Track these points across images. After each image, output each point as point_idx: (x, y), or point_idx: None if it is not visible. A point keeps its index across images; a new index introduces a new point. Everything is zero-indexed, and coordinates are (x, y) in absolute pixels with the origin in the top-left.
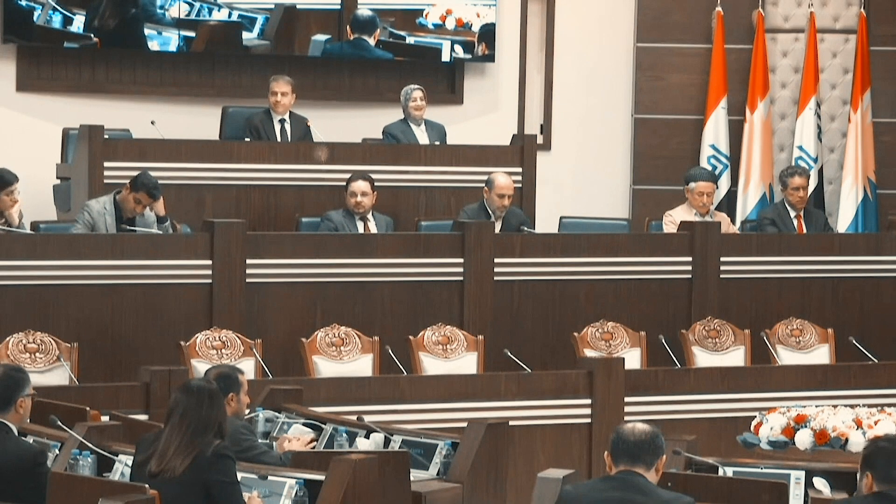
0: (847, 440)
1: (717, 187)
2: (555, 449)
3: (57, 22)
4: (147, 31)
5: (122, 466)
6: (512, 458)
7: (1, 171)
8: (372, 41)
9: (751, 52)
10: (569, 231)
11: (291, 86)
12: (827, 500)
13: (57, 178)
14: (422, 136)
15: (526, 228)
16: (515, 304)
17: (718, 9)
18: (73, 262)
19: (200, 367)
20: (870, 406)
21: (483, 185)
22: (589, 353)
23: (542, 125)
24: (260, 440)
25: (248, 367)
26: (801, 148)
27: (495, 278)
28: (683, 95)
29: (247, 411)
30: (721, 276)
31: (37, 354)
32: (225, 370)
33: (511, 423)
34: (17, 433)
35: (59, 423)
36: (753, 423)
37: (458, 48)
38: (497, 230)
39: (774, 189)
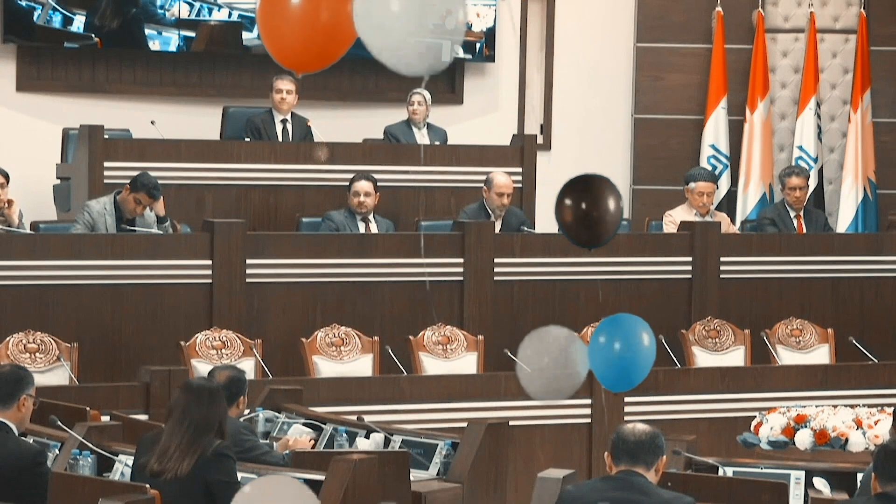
0: (847, 440)
1: (717, 187)
2: (555, 449)
3: (57, 22)
4: (147, 31)
5: (122, 466)
6: (512, 458)
7: None
8: None
9: (751, 52)
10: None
11: (296, 85)
12: (827, 500)
13: (57, 178)
14: (422, 140)
15: (526, 228)
16: (515, 304)
17: (718, 9)
18: (73, 262)
19: (200, 367)
20: (870, 406)
21: (483, 185)
22: None
23: (542, 125)
24: (260, 440)
25: (248, 367)
26: (801, 148)
27: (495, 278)
28: (683, 95)
29: (246, 411)
30: (721, 276)
31: (37, 354)
32: (234, 374)
33: (511, 423)
34: (17, 433)
35: (59, 423)
36: (753, 423)
37: (457, 48)
38: (497, 230)
39: (774, 189)
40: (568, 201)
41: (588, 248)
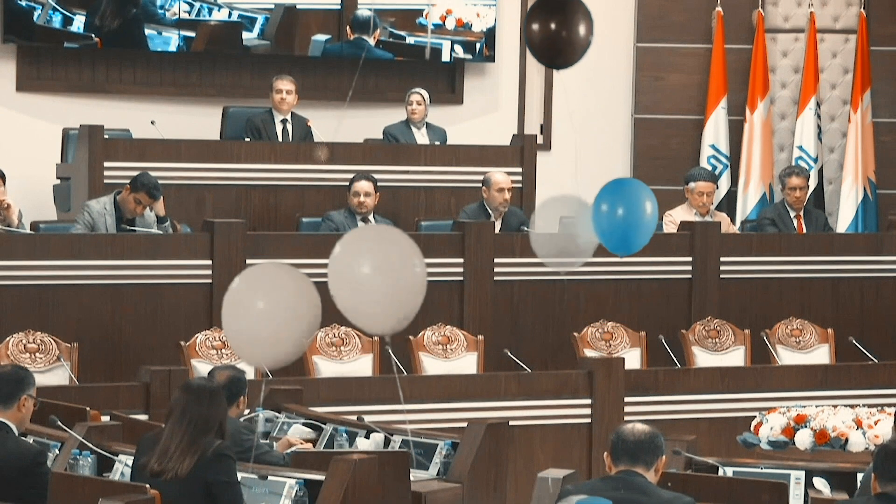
0: (847, 440)
1: (717, 187)
2: (555, 449)
3: (57, 22)
4: (147, 31)
5: (122, 466)
6: (512, 458)
7: None
8: (372, 41)
9: (751, 52)
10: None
11: (295, 85)
12: (827, 500)
13: (57, 178)
14: (421, 140)
15: (526, 228)
16: (515, 304)
17: (718, 9)
18: (73, 262)
19: (200, 367)
20: (870, 406)
21: (482, 185)
22: (589, 353)
23: (542, 125)
24: (260, 440)
25: (248, 367)
26: (801, 148)
27: (495, 278)
28: (683, 95)
29: (246, 411)
30: (721, 276)
31: (37, 354)
32: (234, 373)
33: (511, 423)
34: (17, 433)
35: (59, 423)
36: (753, 423)
37: (458, 48)
38: (497, 230)
39: (774, 189)
40: (535, 25)
41: (556, 69)
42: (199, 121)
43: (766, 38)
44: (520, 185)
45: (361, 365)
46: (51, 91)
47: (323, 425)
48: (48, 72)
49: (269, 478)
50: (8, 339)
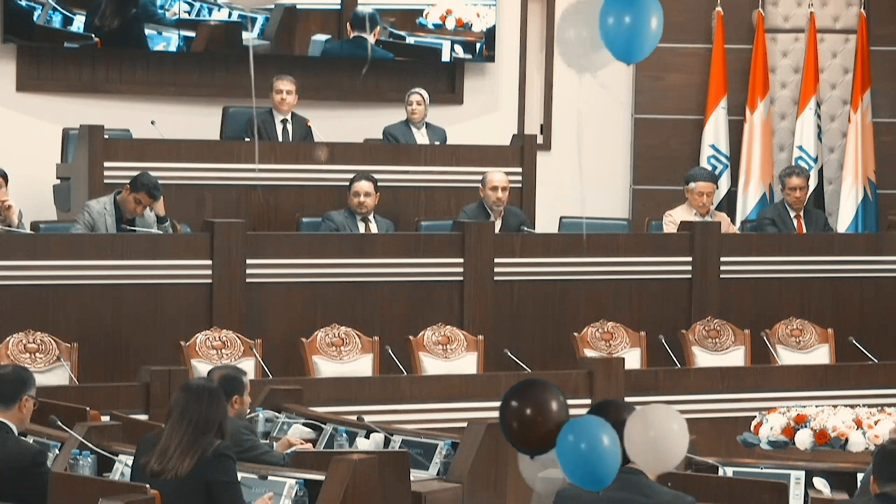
0: (847, 440)
1: (717, 187)
2: None
3: (57, 22)
4: (147, 31)
5: (122, 466)
6: (512, 458)
7: None
8: (372, 39)
9: (751, 52)
10: (569, 231)
11: (295, 85)
12: (827, 500)
13: (57, 178)
14: (421, 140)
15: (526, 228)
16: (515, 304)
17: (718, 9)
18: (73, 262)
19: (200, 367)
20: (870, 406)
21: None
22: (589, 353)
23: (542, 125)
24: (260, 440)
25: (248, 367)
26: (801, 148)
27: (495, 278)
28: (683, 95)
29: (248, 412)
30: (721, 276)
31: (37, 354)
32: (229, 372)
33: None
34: (17, 433)
35: (59, 423)
36: (753, 423)
37: (458, 48)
38: (497, 230)
39: (774, 189)
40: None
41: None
42: (199, 121)
43: (766, 38)
44: (520, 185)
45: (361, 365)
46: (51, 91)
47: (323, 425)
48: (48, 72)
49: (269, 478)
50: (8, 339)
